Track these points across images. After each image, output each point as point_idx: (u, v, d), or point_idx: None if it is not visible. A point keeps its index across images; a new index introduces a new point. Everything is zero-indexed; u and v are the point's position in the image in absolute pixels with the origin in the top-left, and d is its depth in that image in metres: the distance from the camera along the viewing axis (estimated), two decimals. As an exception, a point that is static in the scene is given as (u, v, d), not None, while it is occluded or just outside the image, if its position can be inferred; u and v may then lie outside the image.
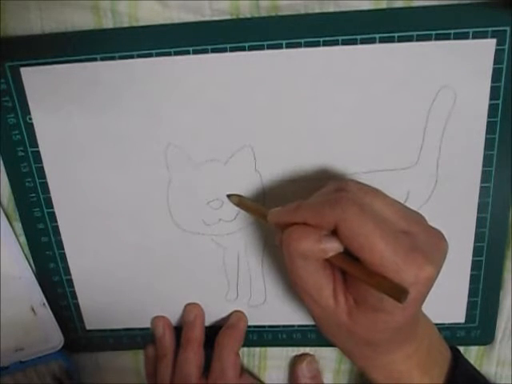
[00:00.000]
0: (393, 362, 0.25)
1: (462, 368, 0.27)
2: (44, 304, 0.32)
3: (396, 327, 0.23)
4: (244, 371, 0.34)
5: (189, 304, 0.33)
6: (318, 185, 0.29)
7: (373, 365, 0.26)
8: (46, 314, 0.32)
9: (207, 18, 0.27)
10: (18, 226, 0.32)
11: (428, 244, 0.22)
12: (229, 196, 0.29)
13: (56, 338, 0.33)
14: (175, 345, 0.33)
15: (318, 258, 0.22)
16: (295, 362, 0.34)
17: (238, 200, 0.29)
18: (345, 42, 0.26)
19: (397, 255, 0.20)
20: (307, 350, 0.34)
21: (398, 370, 0.25)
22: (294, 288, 0.25)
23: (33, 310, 0.33)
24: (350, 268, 0.22)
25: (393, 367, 0.25)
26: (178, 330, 0.33)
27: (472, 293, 0.31)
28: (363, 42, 0.26)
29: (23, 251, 0.32)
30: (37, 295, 0.32)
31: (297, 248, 0.22)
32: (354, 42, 0.26)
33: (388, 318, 0.22)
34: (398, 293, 0.20)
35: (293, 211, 0.23)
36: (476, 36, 0.26)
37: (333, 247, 0.22)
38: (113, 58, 0.27)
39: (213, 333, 0.32)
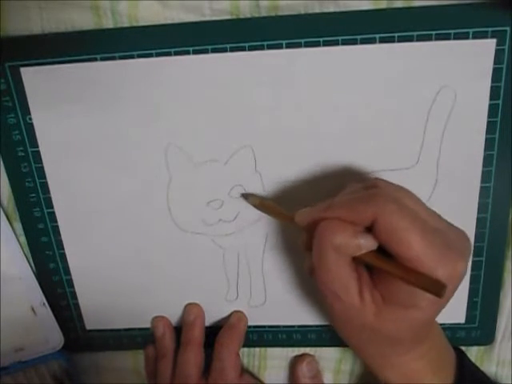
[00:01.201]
0: (408, 361, 0.25)
1: (468, 368, 0.27)
2: (44, 304, 0.32)
3: (424, 324, 0.23)
4: (244, 371, 0.34)
5: (189, 304, 0.33)
6: (318, 185, 0.29)
7: (387, 363, 0.26)
8: (46, 313, 0.33)
9: (207, 18, 0.27)
10: (18, 226, 0.32)
11: (457, 241, 0.22)
12: (246, 197, 0.29)
13: (56, 338, 0.33)
14: (175, 345, 0.33)
15: (351, 253, 0.22)
16: (295, 361, 0.34)
17: (258, 201, 0.28)
18: (345, 42, 0.26)
19: (433, 251, 0.21)
20: (307, 350, 0.34)
21: (411, 369, 0.26)
22: (318, 286, 0.24)
23: (33, 309, 0.33)
24: (385, 265, 0.22)
25: (407, 366, 0.25)
26: (178, 330, 0.33)
27: (472, 293, 0.31)
28: (363, 42, 0.26)
29: (23, 251, 0.32)
30: (37, 295, 0.32)
31: (332, 241, 0.22)
32: (354, 42, 0.26)
33: (418, 315, 0.22)
34: (437, 288, 0.20)
35: (325, 209, 0.23)
36: (476, 36, 0.26)
37: (368, 243, 0.22)
38: (113, 58, 0.27)
39: (213, 333, 0.32)
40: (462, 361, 0.27)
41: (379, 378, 0.27)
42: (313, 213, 0.24)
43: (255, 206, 0.29)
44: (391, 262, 0.22)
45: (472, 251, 0.30)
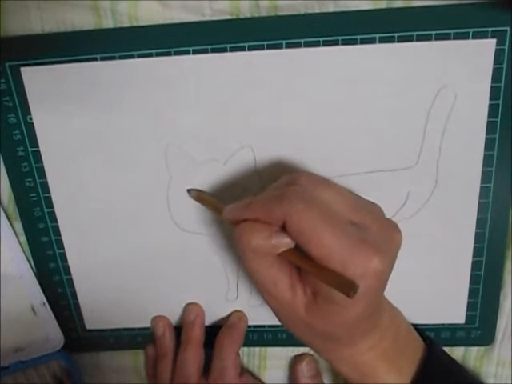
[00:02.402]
0: (356, 353, 0.25)
1: (436, 358, 0.27)
2: (44, 304, 0.32)
3: (351, 320, 0.22)
4: (244, 371, 0.34)
5: (189, 304, 0.33)
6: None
7: (337, 357, 0.26)
8: (46, 313, 0.32)
9: (207, 18, 0.27)
10: (18, 225, 0.32)
11: (380, 235, 0.22)
12: (188, 191, 0.29)
13: (56, 338, 0.33)
14: (175, 345, 0.33)
15: (269, 253, 0.22)
16: (295, 361, 0.34)
17: (196, 195, 0.29)
18: (345, 42, 0.26)
19: (344, 248, 0.20)
20: (307, 350, 0.34)
21: (361, 362, 0.25)
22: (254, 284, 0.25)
23: (33, 309, 0.33)
24: (301, 263, 0.22)
25: (356, 359, 0.25)
26: (178, 330, 0.33)
27: (472, 293, 0.31)
28: (363, 42, 0.26)
29: (23, 251, 0.32)
30: (37, 295, 0.32)
31: (248, 244, 0.22)
32: (354, 42, 0.26)
33: (341, 311, 0.22)
34: (347, 287, 0.20)
35: (245, 207, 0.23)
36: (476, 36, 0.26)
37: (284, 243, 0.22)
38: (113, 58, 0.27)
39: (213, 333, 0.32)
40: (431, 351, 0.27)
41: (338, 371, 0.27)
42: (235, 210, 0.24)
43: (194, 199, 0.29)
44: (309, 259, 0.21)
45: (472, 252, 0.30)
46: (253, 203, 0.23)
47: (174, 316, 0.33)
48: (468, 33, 0.26)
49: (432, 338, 0.29)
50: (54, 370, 0.33)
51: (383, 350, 0.25)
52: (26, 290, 0.32)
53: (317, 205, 0.21)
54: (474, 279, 0.30)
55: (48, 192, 0.30)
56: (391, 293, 0.27)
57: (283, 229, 0.22)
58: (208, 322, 0.33)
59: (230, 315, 0.33)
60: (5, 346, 0.32)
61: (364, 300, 0.21)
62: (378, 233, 0.22)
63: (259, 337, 0.34)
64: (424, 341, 0.28)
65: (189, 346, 0.31)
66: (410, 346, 0.27)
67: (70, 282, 0.33)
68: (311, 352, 0.34)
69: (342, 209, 0.22)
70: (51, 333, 0.33)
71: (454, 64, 0.26)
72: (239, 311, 0.33)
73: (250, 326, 0.33)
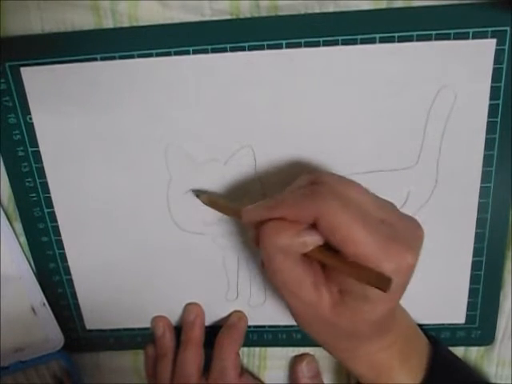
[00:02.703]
0: (373, 352, 0.25)
1: (442, 356, 0.27)
2: (44, 304, 0.32)
3: (379, 317, 0.23)
4: (244, 371, 0.34)
5: (189, 304, 0.33)
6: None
7: (354, 356, 0.26)
8: (46, 313, 0.32)
9: (207, 18, 0.27)
10: (18, 225, 0.32)
11: (406, 232, 0.22)
12: (198, 195, 0.29)
13: (56, 338, 0.33)
14: (175, 345, 0.33)
15: (297, 251, 0.22)
16: (295, 361, 0.34)
17: (207, 199, 0.28)
18: (345, 42, 0.26)
19: (378, 245, 0.20)
20: (307, 350, 0.34)
21: (378, 360, 0.25)
22: (273, 285, 0.25)
23: (33, 309, 0.33)
24: (332, 261, 0.22)
25: (373, 357, 0.25)
26: (178, 330, 0.33)
27: (472, 293, 0.31)
28: (363, 42, 0.26)
29: (23, 251, 0.32)
30: (37, 295, 0.32)
31: (276, 243, 0.22)
32: (354, 42, 0.26)
33: (372, 308, 0.22)
34: (383, 282, 0.20)
35: (269, 207, 0.23)
36: (476, 36, 0.26)
37: (313, 240, 0.22)
38: (113, 58, 0.27)
39: (213, 332, 0.32)
40: (436, 349, 0.27)
41: (350, 371, 0.27)
42: (258, 210, 0.24)
43: (205, 203, 0.29)
44: (338, 256, 0.21)
45: (472, 252, 0.30)
46: (278, 202, 0.23)
47: (174, 316, 0.33)
48: (468, 33, 0.26)
49: (435, 336, 0.29)
50: (54, 369, 0.33)
51: (397, 349, 0.26)
52: (26, 290, 0.32)
53: (349, 202, 0.21)
54: (474, 279, 0.30)
55: (48, 192, 0.30)
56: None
57: (311, 227, 0.22)
58: (208, 322, 0.33)
59: (230, 315, 0.33)
60: (5, 346, 0.32)
61: (395, 295, 0.22)
62: (405, 230, 0.22)
63: (259, 337, 0.34)
64: (428, 340, 0.28)
65: (189, 346, 0.31)
66: (418, 346, 0.27)
67: (70, 282, 0.33)
68: (311, 352, 0.34)
69: (369, 207, 0.22)
70: (51, 333, 0.33)
71: (454, 64, 0.26)
72: (239, 311, 0.33)
73: (250, 326, 0.33)
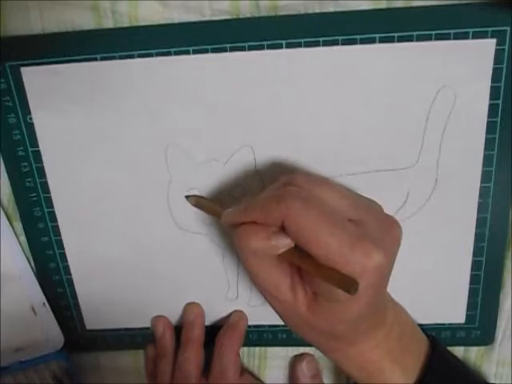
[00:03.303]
0: (361, 352, 0.25)
1: (440, 356, 0.27)
2: (44, 304, 0.32)
3: (355, 317, 0.22)
4: (244, 371, 0.34)
5: (189, 304, 0.33)
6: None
7: (343, 357, 0.26)
8: (46, 313, 0.32)
9: (207, 18, 0.27)
10: (18, 225, 0.32)
11: (378, 230, 0.22)
12: (187, 197, 0.29)
13: (56, 338, 0.33)
14: (175, 345, 0.33)
15: (269, 254, 0.22)
16: (295, 361, 0.34)
17: (195, 201, 0.29)
18: (345, 42, 0.26)
19: (342, 245, 0.20)
20: (307, 349, 0.34)
21: (367, 360, 0.25)
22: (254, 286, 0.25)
23: (33, 309, 0.33)
24: (301, 262, 0.22)
25: (362, 357, 0.25)
26: (178, 330, 0.33)
27: (472, 293, 0.31)
28: (363, 41, 0.26)
29: (23, 251, 0.32)
30: (37, 295, 0.32)
31: (247, 246, 0.22)
32: (354, 42, 0.26)
33: (345, 309, 0.22)
34: (348, 284, 0.20)
35: (242, 211, 0.23)
36: (476, 36, 0.26)
37: (283, 243, 0.22)
38: (113, 58, 0.27)
39: (213, 332, 0.32)
40: (434, 349, 0.27)
41: (344, 371, 0.27)
42: (233, 214, 0.24)
43: (193, 205, 0.29)
44: (309, 258, 0.21)
45: (472, 251, 0.30)
46: (250, 206, 0.23)
47: (174, 316, 0.33)
48: (468, 33, 0.26)
49: (434, 336, 0.28)
50: (54, 370, 0.33)
51: (388, 349, 0.25)
52: (26, 290, 0.32)
53: (314, 203, 0.21)
54: (473, 279, 0.30)
55: (48, 192, 0.30)
56: (391, 292, 0.27)
57: (282, 230, 0.22)
58: (208, 322, 0.33)
59: (230, 315, 0.33)
60: (5, 346, 0.32)
61: (365, 296, 0.21)
62: (377, 228, 0.22)
63: (259, 337, 0.34)
64: (428, 339, 0.28)
65: (189, 346, 0.31)
66: (414, 344, 0.27)
67: (70, 282, 0.33)
68: (311, 352, 0.34)
69: (340, 207, 0.22)
70: (51, 333, 0.33)
71: (454, 64, 0.26)
72: (239, 311, 0.33)
73: (250, 326, 0.33)
